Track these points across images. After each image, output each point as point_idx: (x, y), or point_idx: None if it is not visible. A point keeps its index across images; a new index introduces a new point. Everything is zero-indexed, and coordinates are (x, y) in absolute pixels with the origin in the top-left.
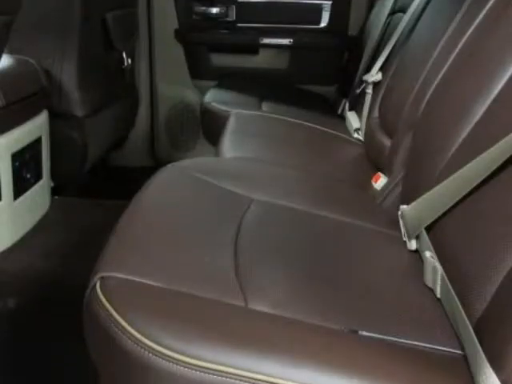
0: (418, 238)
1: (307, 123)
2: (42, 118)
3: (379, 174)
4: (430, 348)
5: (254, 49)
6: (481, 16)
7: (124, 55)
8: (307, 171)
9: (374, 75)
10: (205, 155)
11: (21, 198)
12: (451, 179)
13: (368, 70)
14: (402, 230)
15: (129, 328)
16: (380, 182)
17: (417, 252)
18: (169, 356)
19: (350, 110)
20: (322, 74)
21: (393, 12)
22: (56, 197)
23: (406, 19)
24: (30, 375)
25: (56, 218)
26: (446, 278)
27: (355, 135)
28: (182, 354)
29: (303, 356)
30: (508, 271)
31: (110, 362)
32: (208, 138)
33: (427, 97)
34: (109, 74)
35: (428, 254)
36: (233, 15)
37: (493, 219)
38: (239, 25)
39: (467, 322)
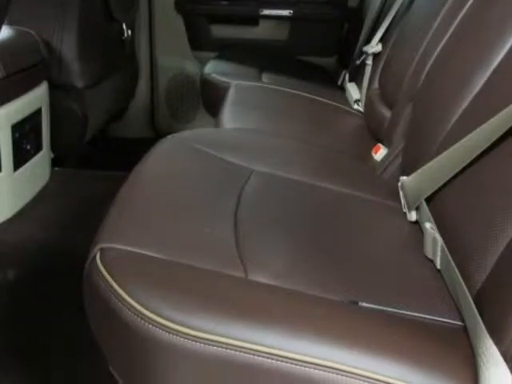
0: (418, 209)
1: (307, 94)
2: (42, 89)
3: (379, 145)
4: (429, 319)
5: (254, 20)
6: None
7: (124, 26)
8: (307, 142)
9: (374, 46)
10: (205, 126)
11: (21, 170)
12: (451, 150)
13: (368, 41)
14: (402, 201)
15: (129, 299)
16: (380, 153)
17: (417, 223)
18: (169, 327)
19: (350, 81)
20: (322, 46)
21: None
22: (56, 168)
23: None
24: (30, 347)
25: (56, 190)
26: (445, 249)
27: (355, 106)
28: (182, 325)
29: (303, 327)
30: (508, 242)
31: (110, 334)
32: (208, 110)
33: (427, 68)
34: (109, 45)
35: (428, 225)
36: None
37: (493, 190)
38: None
39: (467, 294)
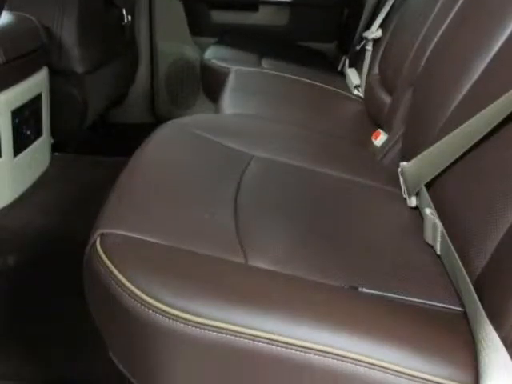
0: (418, 194)
1: (307, 80)
2: (42, 74)
3: (379, 130)
4: (430, 305)
5: (254, 5)
6: None
7: (124, 12)
8: (307, 128)
9: (374, 32)
10: (205, 112)
11: (21, 155)
12: (451, 136)
13: (368, 26)
14: (402, 186)
15: (129, 285)
16: (380, 138)
17: (417, 209)
18: (169, 313)
19: (350, 66)
20: (321, 31)
21: None
22: (56, 153)
23: None
24: (30, 332)
25: (56, 175)
26: (445, 234)
27: (355, 92)
28: (182, 310)
29: (303, 313)
30: (508, 228)
31: (110, 319)
32: (208, 95)
33: (427, 53)
34: (109, 30)
35: (428, 211)
36: None
37: (493, 176)
38: None
39: (467, 279)
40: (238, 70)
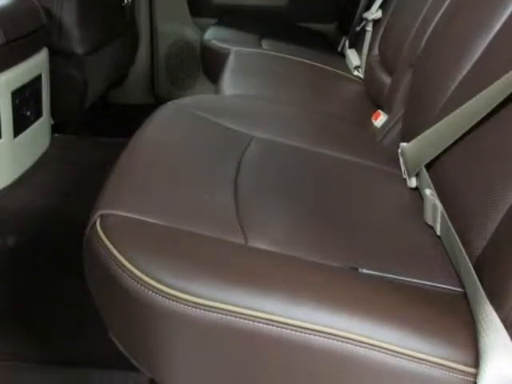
0: (418, 175)
1: (307, 61)
2: (42, 55)
3: (379, 111)
4: (429, 286)
5: None
6: None
7: None
8: (307, 109)
9: (374, 13)
10: (205, 93)
11: (21, 136)
12: (451, 117)
13: (368, 7)
14: (402, 167)
15: (129, 266)
16: (380, 119)
17: (417, 190)
18: (169, 294)
19: (350, 47)
20: (321, 12)
21: None
22: (56, 134)
23: None
24: (30, 313)
25: (56, 156)
26: (445, 215)
27: (355, 73)
28: (182, 291)
29: (303, 294)
30: (508, 209)
31: (110, 300)
32: (208, 76)
33: (427, 34)
34: (109, 11)
35: (428, 192)
36: None
37: (493, 157)
38: None
39: (467, 260)
40: (238, 51)
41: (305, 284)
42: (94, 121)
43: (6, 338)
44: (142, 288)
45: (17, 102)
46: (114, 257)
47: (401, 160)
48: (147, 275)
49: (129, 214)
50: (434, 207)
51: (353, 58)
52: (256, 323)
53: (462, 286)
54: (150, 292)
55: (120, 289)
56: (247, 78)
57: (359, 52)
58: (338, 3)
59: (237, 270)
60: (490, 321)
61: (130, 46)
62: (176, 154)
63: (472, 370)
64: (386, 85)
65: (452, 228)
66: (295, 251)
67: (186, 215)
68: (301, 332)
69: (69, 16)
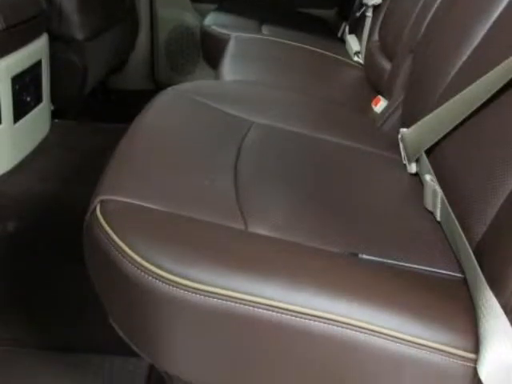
0: (418, 161)
1: (307, 46)
2: (42, 41)
3: (379, 97)
4: (429, 271)
5: None
6: None
7: None
8: (307, 94)
9: None
10: (205, 78)
11: (21, 122)
12: (451, 102)
13: None
14: (402, 153)
15: (129, 251)
16: (380, 105)
17: (417, 175)
18: (169, 279)
19: (350, 33)
20: None
21: None
22: (56, 120)
23: None
24: (30, 299)
25: (56, 142)
26: (445, 201)
27: (355, 58)
28: (182, 277)
29: (303, 279)
30: (508, 194)
31: (110, 286)
32: (208, 62)
33: (427, 20)
34: None
35: (428, 177)
36: None
37: (493, 142)
38: None
39: (467, 245)
40: (238, 37)
41: (305, 270)
42: (94, 106)
43: (5, 324)
44: (142, 274)
45: (17, 87)
46: (114, 242)
47: (401, 146)
48: (147, 261)
49: (129, 200)
50: (434, 193)
51: (353, 43)
52: (256, 309)
53: (462, 272)
54: (150, 278)
55: (120, 274)
56: (247, 64)
57: (359, 38)
58: None
59: (237, 256)
60: (490, 306)
61: (130, 31)
62: (176, 139)
63: (472, 355)
64: (386, 70)
65: (452, 213)
66: (295, 237)
67: (186, 201)
68: (301, 318)
69: (69, 1)
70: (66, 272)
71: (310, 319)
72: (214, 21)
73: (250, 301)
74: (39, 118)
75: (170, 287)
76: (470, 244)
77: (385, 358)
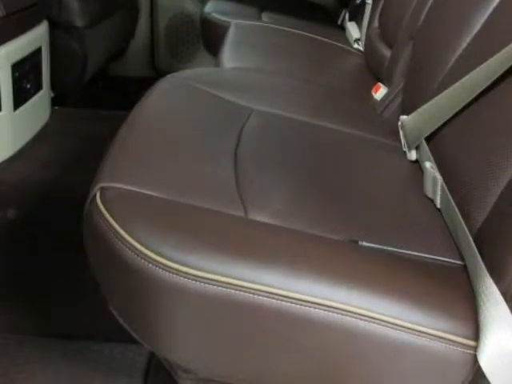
0: (417, 148)
1: (307, 33)
2: (42, 28)
3: (379, 84)
4: (429, 258)
5: None
6: None
7: None
8: (307, 81)
9: None
10: (205, 66)
11: (21, 109)
12: (451, 89)
13: None
14: (402, 140)
15: (129, 238)
16: (380, 92)
17: (417, 162)
18: (169, 266)
19: (350, 20)
20: None
21: None
22: (56, 107)
23: None
24: (30, 286)
25: (56, 129)
26: (445, 188)
27: (355, 45)
28: (183, 264)
29: (303, 266)
30: (508, 181)
31: (109, 273)
32: (208, 49)
33: (427, 6)
34: None
35: (428, 165)
36: None
37: (493, 129)
38: None
39: (467, 233)
40: (238, 24)
41: (305, 257)
42: (94, 93)
43: (6, 313)
44: (142, 261)
45: (17, 74)
46: (114, 230)
47: (401, 133)
48: (147, 248)
49: (129, 187)
50: (434, 180)
51: (353, 30)
52: (256, 296)
53: (462, 259)
54: (150, 265)
55: (120, 262)
56: (247, 51)
57: (359, 25)
58: None
59: (237, 243)
60: (490, 293)
61: (130, 18)
62: (176, 126)
63: (472, 342)
64: (386, 57)
65: (452, 201)
66: (295, 224)
67: (186, 188)
68: (301, 305)
69: None
70: (66, 259)
71: (309, 306)
72: (214, 8)
73: (250, 288)
74: (39, 105)
75: (170, 274)
76: (470, 231)
77: (385, 346)
